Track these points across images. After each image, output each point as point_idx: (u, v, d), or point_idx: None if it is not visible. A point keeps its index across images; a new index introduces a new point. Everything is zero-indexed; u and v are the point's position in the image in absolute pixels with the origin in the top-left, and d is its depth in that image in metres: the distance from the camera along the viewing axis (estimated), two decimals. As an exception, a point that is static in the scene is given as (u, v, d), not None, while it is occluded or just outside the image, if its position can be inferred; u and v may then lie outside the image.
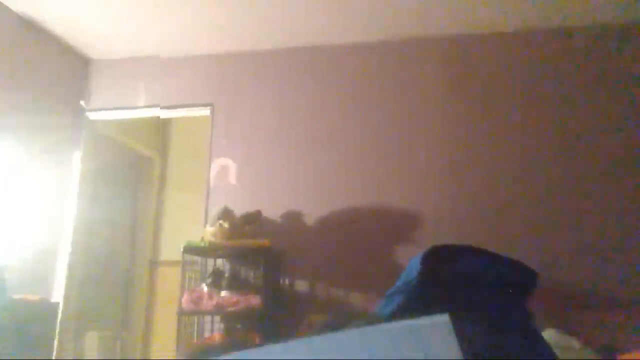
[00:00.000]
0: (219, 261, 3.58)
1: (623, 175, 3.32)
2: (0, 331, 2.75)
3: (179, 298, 3.18)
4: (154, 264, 4.92)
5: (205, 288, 3.24)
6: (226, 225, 3.27)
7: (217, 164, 3.88)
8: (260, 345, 0.58)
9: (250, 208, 3.52)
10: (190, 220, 4.06)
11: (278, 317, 3.32)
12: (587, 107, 3.47)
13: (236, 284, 3.25)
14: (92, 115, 4.19)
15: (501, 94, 3.61)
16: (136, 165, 5.09)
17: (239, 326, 3.31)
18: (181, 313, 3.18)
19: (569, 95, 3.51)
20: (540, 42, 3.61)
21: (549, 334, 2.57)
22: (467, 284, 1.28)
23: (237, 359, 0.58)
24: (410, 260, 1.40)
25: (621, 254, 3.18)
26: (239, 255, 3.52)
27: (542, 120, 3.51)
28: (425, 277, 1.27)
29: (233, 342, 3.07)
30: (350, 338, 0.56)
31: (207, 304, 3.12)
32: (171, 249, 4.71)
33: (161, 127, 5.29)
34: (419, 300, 1.26)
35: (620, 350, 2.73)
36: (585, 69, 3.52)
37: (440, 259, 1.31)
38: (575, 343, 2.64)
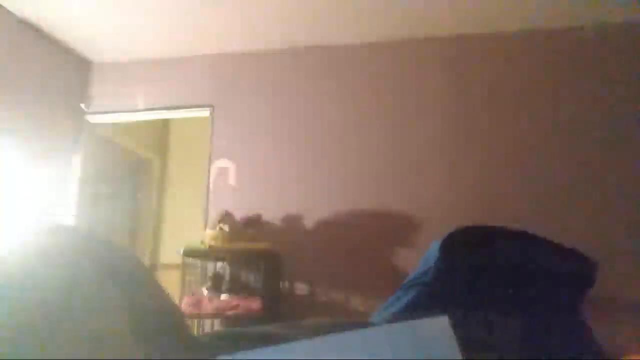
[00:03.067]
0: (219, 264, 3.57)
1: (624, 175, 3.31)
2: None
3: (179, 301, 3.16)
4: (154, 266, 4.91)
5: (205, 291, 3.23)
6: (226, 228, 3.26)
7: (216, 165, 3.87)
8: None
9: (250, 210, 3.51)
10: (190, 223, 4.05)
11: (278, 320, 3.31)
12: (587, 107, 3.46)
13: (236, 287, 3.24)
14: (92, 118, 4.18)
15: (501, 94, 3.60)
16: (136, 168, 5.08)
17: (239, 329, 3.30)
18: (181, 316, 3.17)
19: (570, 95, 3.50)
20: (541, 42, 3.60)
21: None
22: (501, 275, 0.98)
23: (238, 359, 0.57)
24: (430, 245, 1.11)
25: (623, 254, 3.16)
26: (239, 259, 3.51)
27: (543, 120, 3.50)
28: (445, 266, 0.99)
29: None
30: (350, 338, 0.55)
31: (207, 307, 3.11)
32: (171, 252, 4.70)
33: (161, 129, 5.29)
34: (435, 296, 0.98)
35: (623, 350, 2.71)
36: (586, 69, 3.52)
37: (466, 244, 1.02)
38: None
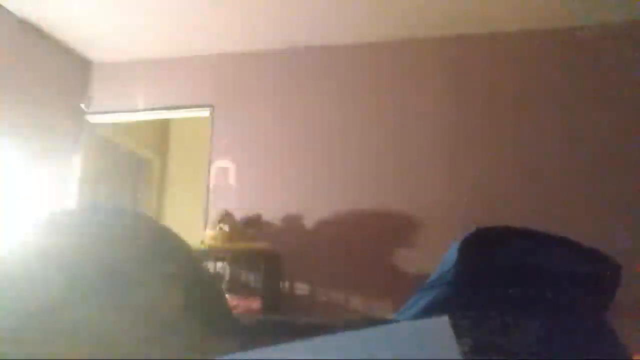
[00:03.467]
0: (219, 264, 3.57)
1: (624, 174, 3.30)
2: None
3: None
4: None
5: (205, 291, 3.22)
6: (226, 228, 3.26)
7: (216, 165, 3.87)
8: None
9: (250, 210, 3.51)
10: (190, 223, 4.05)
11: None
12: (587, 107, 3.46)
13: (236, 287, 3.24)
14: (92, 118, 4.19)
15: (501, 94, 3.60)
16: (136, 168, 5.08)
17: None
18: (181, 316, 3.17)
19: (570, 94, 3.50)
20: (541, 42, 3.60)
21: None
22: (519, 276, 0.98)
23: (237, 359, 0.57)
24: (449, 247, 1.12)
25: (623, 254, 3.16)
26: (239, 259, 3.51)
27: (542, 119, 3.49)
28: (463, 268, 0.98)
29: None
30: (350, 338, 0.55)
31: (207, 306, 3.11)
32: (171, 252, 4.69)
33: (161, 130, 5.29)
34: (453, 298, 0.98)
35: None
36: (586, 69, 3.52)
37: (484, 246, 1.01)
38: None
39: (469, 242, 1.03)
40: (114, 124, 4.36)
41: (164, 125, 5.29)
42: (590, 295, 1.03)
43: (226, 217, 3.33)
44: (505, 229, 1.06)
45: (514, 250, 1.03)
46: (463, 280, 0.98)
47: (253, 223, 3.43)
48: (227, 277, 3.33)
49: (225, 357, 0.58)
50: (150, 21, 3.65)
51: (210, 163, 3.89)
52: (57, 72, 3.96)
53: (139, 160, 5.06)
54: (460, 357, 0.56)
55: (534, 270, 1.00)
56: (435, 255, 1.23)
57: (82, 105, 4.15)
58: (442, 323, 0.57)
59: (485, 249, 1.02)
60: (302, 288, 3.51)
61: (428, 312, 0.99)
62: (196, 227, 3.79)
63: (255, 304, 3.10)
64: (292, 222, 3.61)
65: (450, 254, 1.07)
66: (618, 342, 1.01)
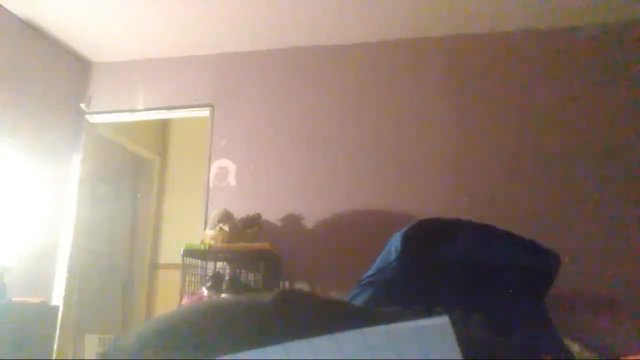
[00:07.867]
0: (219, 264, 3.58)
1: (623, 175, 3.31)
2: (0, 334, 2.74)
3: (179, 301, 3.16)
4: (153, 266, 4.92)
5: (205, 291, 3.22)
6: (226, 228, 3.26)
7: (216, 165, 3.87)
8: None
9: (250, 210, 3.51)
10: (190, 223, 4.05)
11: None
12: (587, 107, 3.46)
13: (236, 287, 3.23)
14: (92, 118, 4.18)
15: (501, 94, 3.60)
16: (136, 168, 5.09)
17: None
18: (181, 316, 3.17)
19: (569, 95, 3.51)
20: (540, 42, 3.61)
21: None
22: (464, 269, 0.95)
23: (237, 359, 0.57)
24: (390, 239, 1.07)
25: (621, 256, 3.17)
26: (239, 259, 3.51)
27: (542, 119, 3.50)
28: (406, 261, 0.95)
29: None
30: (350, 338, 0.55)
31: (207, 306, 3.11)
32: (171, 251, 4.70)
33: (161, 129, 5.29)
34: (395, 292, 0.93)
35: (621, 352, 2.72)
36: (585, 69, 3.52)
37: (428, 236, 1.00)
38: (575, 347, 2.63)
39: (414, 232, 1.00)
40: (114, 124, 4.36)
41: (164, 125, 5.29)
42: (531, 285, 1.03)
43: (226, 217, 3.33)
44: (445, 221, 1.03)
45: (455, 243, 1.00)
46: (405, 274, 0.95)
47: (253, 223, 3.43)
48: (227, 277, 3.33)
49: (226, 357, 0.58)
50: (150, 21, 3.66)
51: (210, 163, 3.89)
52: (57, 72, 3.96)
53: (139, 160, 5.06)
54: (460, 357, 0.56)
55: (474, 263, 0.98)
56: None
57: (82, 105, 4.15)
58: (442, 323, 0.57)
59: (428, 241, 0.99)
60: (302, 288, 3.51)
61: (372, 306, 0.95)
62: (196, 227, 3.79)
63: (255, 303, 3.09)
64: (292, 222, 3.61)
65: (392, 245, 1.03)
66: (556, 332, 1.02)
